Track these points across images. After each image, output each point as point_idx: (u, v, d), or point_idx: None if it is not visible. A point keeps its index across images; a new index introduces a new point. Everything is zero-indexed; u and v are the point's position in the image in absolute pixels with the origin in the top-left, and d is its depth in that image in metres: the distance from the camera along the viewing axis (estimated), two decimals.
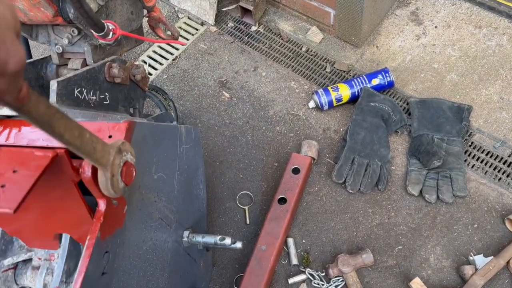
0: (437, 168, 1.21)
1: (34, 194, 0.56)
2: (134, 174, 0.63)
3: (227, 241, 0.94)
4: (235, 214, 1.25)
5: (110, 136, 0.66)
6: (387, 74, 1.35)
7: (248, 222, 1.23)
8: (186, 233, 0.95)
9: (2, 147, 0.64)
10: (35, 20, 0.82)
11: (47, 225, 0.66)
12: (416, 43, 1.48)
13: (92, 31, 0.74)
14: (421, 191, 1.19)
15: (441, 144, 1.24)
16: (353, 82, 1.36)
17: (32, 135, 0.67)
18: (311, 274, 1.11)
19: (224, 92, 1.49)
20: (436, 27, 1.50)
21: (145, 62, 1.61)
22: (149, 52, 1.64)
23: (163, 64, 1.60)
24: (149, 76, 1.57)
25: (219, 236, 0.95)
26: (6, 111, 0.69)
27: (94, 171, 0.58)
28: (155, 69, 1.59)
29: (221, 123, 1.43)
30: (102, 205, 0.61)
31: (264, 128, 1.40)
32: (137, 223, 0.74)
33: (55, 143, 0.65)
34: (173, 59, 1.61)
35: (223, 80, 1.52)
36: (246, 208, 1.25)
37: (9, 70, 0.36)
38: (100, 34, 0.74)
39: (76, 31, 0.86)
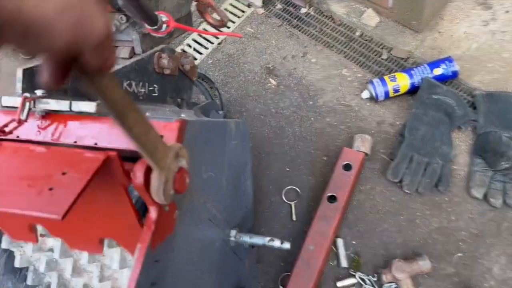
0: (505, 169, 1.10)
1: (81, 197, 0.52)
2: (187, 182, 0.59)
3: (276, 243, 0.90)
4: (281, 209, 1.20)
5: (161, 136, 0.61)
6: (451, 64, 1.24)
7: (294, 219, 1.18)
8: (233, 233, 0.91)
9: (51, 146, 0.60)
10: None
11: (92, 228, 0.63)
12: (484, 30, 1.34)
13: (145, 24, 0.69)
14: (485, 194, 1.09)
15: (509, 143, 1.13)
16: (412, 72, 1.25)
17: (80, 131, 0.63)
18: (361, 279, 1.05)
19: (270, 79, 1.42)
20: (507, 11, 1.36)
21: (190, 46, 1.56)
22: (194, 35, 1.58)
23: (208, 49, 1.54)
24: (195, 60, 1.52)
25: (268, 238, 0.90)
26: (53, 105, 0.65)
27: (146, 177, 0.54)
28: (200, 53, 1.54)
29: (267, 112, 1.37)
30: (153, 212, 0.57)
31: (312, 119, 1.32)
32: (187, 227, 0.70)
33: (104, 142, 0.61)
34: (219, 43, 1.54)
35: (270, 66, 1.45)
36: (292, 204, 1.19)
37: (91, 42, 0.33)
38: (153, 28, 0.69)
39: (124, 18, 0.82)
